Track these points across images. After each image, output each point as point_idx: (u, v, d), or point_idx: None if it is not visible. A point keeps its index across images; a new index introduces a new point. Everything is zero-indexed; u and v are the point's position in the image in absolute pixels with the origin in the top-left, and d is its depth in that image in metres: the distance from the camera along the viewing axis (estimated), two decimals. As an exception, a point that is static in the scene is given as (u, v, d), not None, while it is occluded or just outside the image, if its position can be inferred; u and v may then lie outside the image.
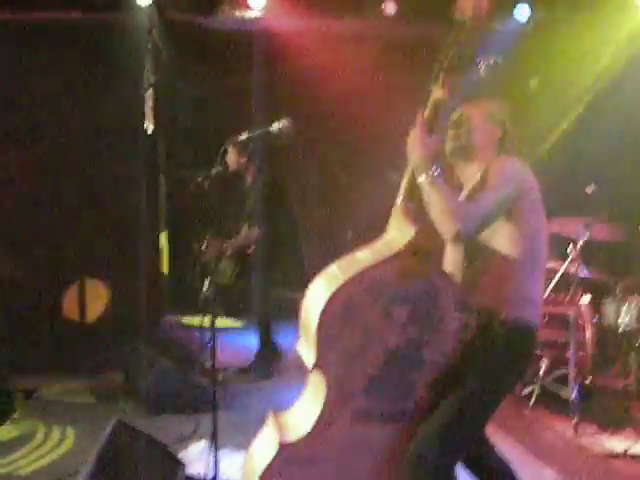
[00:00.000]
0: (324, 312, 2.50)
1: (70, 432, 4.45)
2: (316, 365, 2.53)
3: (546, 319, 4.92)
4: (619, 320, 5.01)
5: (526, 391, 5.00)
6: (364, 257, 2.63)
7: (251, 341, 6.08)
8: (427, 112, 2.55)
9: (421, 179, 2.52)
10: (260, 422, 2.89)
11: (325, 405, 2.55)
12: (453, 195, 2.56)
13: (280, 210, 5.63)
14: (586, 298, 5.08)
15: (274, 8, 7.10)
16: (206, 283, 4.00)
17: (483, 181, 2.64)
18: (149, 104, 6.61)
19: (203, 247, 5.39)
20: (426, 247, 2.54)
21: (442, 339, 2.55)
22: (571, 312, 4.72)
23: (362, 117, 7.72)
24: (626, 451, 4.18)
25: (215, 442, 3.49)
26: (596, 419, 4.60)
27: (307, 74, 7.42)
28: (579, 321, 4.89)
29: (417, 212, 2.59)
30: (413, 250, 2.54)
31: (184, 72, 7.25)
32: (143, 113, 6.65)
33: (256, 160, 5.67)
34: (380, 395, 2.55)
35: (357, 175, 8.32)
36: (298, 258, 5.80)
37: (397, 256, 2.55)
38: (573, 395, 4.54)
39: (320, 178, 8.32)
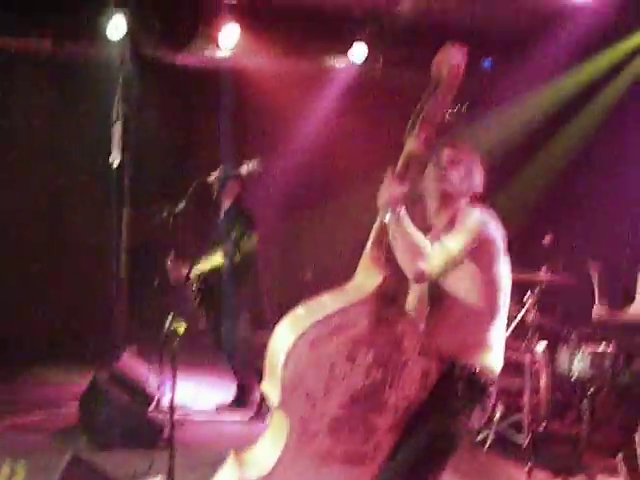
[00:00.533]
0: (290, 353, 2.52)
1: (21, 468, 4.33)
2: (280, 404, 2.55)
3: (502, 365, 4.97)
4: (573, 367, 5.10)
5: (481, 436, 5.04)
6: (331, 301, 2.67)
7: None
8: (400, 163, 2.61)
9: (387, 218, 2.58)
10: (216, 460, 2.88)
11: (288, 444, 2.56)
12: (419, 233, 2.60)
13: (248, 240, 5.62)
14: (541, 345, 5.16)
15: (244, 47, 7.24)
16: (169, 318, 3.99)
17: (451, 226, 2.69)
18: (117, 136, 6.62)
19: (168, 264, 5.38)
20: (393, 293, 2.59)
21: (405, 383, 2.59)
22: (526, 359, 4.80)
23: (328, 157, 7.84)
24: (578, 498, 4.24)
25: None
26: (549, 465, 4.65)
27: (274, 113, 7.54)
28: (534, 368, 4.97)
29: (386, 258, 2.64)
30: (380, 295, 2.60)
31: (154, 106, 7.28)
32: (111, 145, 6.66)
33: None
34: (343, 436, 2.58)
35: (320, 215, 8.40)
36: (255, 291, 5.76)
37: (364, 301, 2.60)
38: (527, 441, 4.60)
39: (283, 215, 8.35)
